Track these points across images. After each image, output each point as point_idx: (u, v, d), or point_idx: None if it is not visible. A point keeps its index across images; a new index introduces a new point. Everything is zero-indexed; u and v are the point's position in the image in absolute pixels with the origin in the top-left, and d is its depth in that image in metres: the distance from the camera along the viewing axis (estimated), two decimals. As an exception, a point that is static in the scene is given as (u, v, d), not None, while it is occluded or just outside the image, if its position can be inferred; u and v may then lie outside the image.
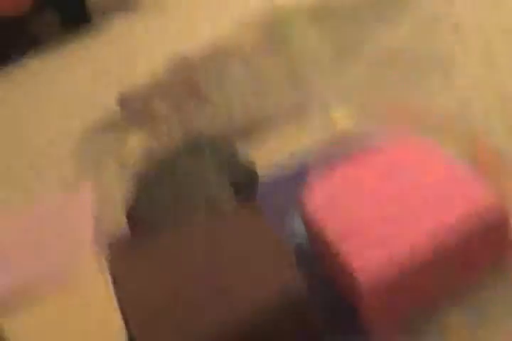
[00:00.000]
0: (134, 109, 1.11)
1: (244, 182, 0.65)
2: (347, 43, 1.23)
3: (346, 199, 0.55)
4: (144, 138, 1.08)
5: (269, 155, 0.76)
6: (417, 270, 0.49)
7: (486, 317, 0.48)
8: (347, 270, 0.49)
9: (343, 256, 0.50)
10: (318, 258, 0.57)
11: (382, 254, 0.48)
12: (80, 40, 1.67)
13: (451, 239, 0.49)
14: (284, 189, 0.65)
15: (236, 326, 0.46)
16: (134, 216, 0.63)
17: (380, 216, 0.51)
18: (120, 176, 0.89)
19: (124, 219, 0.64)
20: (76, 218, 0.62)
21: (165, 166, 0.66)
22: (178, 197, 0.62)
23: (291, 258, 0.49)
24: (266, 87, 1.07)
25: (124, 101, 1.13)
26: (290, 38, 1.31)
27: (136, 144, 1.11)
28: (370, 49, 1.21)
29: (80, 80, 1.50)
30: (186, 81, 1.14)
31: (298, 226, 0.61)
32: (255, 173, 0.67)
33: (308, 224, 0.56)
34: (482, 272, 0.50)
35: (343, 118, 0.75)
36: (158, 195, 0.62)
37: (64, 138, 1.27)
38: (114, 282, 0.53)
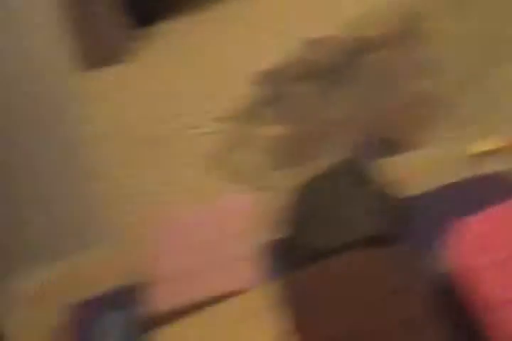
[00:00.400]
0: (274, 89, 1.05)
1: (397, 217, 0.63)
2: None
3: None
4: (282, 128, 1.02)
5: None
6: None
7: None
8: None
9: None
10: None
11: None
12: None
13: None
14: (431, 214, 0.63)
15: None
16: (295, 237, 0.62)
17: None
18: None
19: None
20: (237, 225, 0.64)
21: (326, 188, 0.65)
22: (339, 221, 0.60)
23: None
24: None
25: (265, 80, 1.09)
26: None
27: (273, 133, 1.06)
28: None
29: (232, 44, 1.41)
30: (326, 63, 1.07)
31: (441, 263, 0.58)
32: (407, 209, 0.64)
33: (454, 267, 0.54)
34: None
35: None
36: (320, 217, 0.62)
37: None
38: (292, 305, 0.53)
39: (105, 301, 0.70)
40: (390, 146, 0.79)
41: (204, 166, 1.17)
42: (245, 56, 1.40)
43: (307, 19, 1.48)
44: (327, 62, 1.08)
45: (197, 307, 0.57)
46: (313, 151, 0.95)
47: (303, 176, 0.69)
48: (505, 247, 0.52)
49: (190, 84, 1.40)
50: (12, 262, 0.81)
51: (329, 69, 1.12)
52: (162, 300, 0.59)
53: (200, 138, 1.22)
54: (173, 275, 0.61)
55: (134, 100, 1.45)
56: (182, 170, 1.20)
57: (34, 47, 1.41)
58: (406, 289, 0.54)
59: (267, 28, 1.53)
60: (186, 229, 0.66)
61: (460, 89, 1.00)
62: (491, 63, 1.07)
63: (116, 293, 0.70)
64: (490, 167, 0.66)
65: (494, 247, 0.53)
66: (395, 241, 0.59)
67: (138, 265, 0.72)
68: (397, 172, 0.68)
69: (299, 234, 0.63)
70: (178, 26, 1.68)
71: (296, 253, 0.62)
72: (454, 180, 0.65)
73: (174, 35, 1.65)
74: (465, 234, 0.56)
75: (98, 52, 1.70)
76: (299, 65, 1.20)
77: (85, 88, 1.50)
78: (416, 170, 0.71)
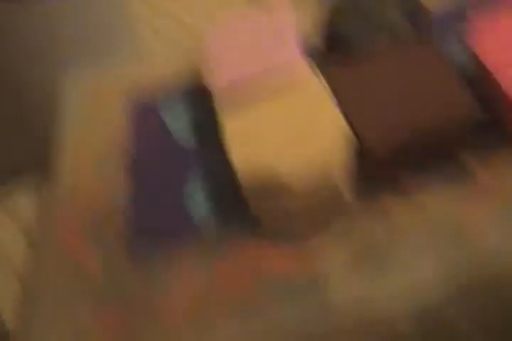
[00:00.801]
0: None
1: (419, 19, 0.69)
2: None
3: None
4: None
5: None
6: None
7: None
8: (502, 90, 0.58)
9: (501, 80, 0.57)
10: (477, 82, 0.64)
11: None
12: None
13: None
14: (444, 23, 0.72)
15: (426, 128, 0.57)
16: (330, 35, 0.69)
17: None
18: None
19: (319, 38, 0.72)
20: (283, 28, 0.68)
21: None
22: (367, 23, 0.67)
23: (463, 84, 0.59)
24: None
25: None
26: None
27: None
28: None
29: None
30: None
31: (459, 54, 0.68)
32: (428, 11, 0.71)
33: (471, 52, 0.62)
34: None
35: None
36: (351, 20, 0.68)
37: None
38: (332, 88, 0.61)
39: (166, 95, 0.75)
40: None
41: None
42: None
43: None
44: None
45: (253, 80, 0.63)
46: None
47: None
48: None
49: None
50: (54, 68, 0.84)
51: None
52: (220, 77, 0.65)
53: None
54: (226, 57, 0.67)
55: None
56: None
57: None
58: (446, 74, 0.59)
59: None
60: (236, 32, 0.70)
61: None
62: None
63: (172, 91, 0.75)
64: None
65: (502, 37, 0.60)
66: (423, 41, 0.64)
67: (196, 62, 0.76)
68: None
69: (338, 21, 0.69)
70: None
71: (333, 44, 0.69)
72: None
73: None
74: (486, 32, 0.61)
75: None
76: None
77: None
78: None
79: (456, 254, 0.55)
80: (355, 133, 0.57)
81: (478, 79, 0.63)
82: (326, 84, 0.62)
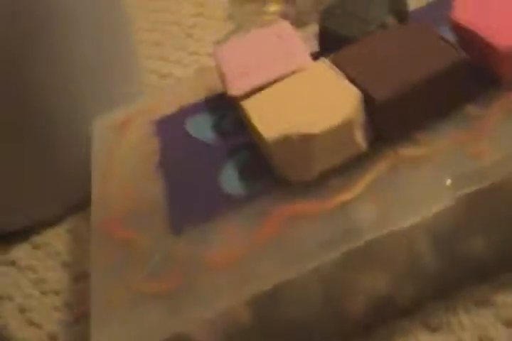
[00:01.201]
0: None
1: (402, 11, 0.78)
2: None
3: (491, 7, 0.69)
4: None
5: None
6: None
7: None
8: (490, 45, 0.65)
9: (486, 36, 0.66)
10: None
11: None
12: None
13: None
14: (431, 14, 0.80)
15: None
16: (325, 37, 0.77)
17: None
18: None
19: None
20: (288, 38, 0.75)
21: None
22: (357, 22, 0.75)
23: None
24: None
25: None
26: None
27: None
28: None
29: None
30: None
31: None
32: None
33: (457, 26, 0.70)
34: None
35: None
36: (342, 20, 0.76)
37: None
38: (336, 64, 0.69)
39: (192, 108, 0.82)
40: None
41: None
42: None
43: None
44: None
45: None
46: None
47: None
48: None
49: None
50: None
51: None
52: (234, 88, 0.70)
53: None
54: (239, 70, 0.72)
55: None
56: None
57: None
58: (437, 38, 0.67)
59: None
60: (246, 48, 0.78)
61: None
62: None
63: (197, 104, 0.83)
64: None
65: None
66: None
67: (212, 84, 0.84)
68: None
69: (328, 23, 0.76)
70: None
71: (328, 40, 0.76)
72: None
73: None
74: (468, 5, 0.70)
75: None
76: None
77: None
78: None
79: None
80: (362, 91, 0.65)
81: (465, 44, 0.70)
82: (332, 65, 0.69)
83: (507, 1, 0.69)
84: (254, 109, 0.67)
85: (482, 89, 0.67)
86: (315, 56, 0.79)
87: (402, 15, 0.78)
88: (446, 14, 0.76)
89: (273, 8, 1.14)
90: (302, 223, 0.61)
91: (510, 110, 0.64)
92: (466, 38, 0.69)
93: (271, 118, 0.65)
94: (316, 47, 0.81)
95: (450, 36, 0.75)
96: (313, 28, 0.85)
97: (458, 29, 0.69)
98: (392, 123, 0.65)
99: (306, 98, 0.66)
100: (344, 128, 0.63)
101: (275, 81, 0.70)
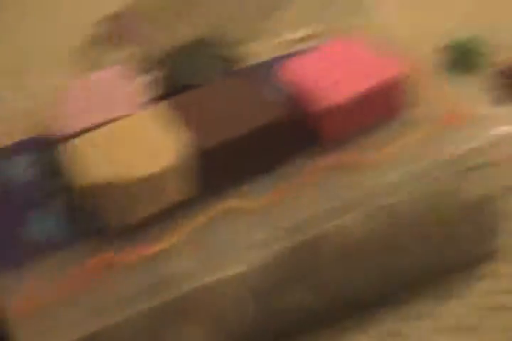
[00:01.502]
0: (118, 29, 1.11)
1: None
2: None
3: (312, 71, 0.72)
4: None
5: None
6: (351, 105, 0.69)
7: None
8: (315, 104, 0.68)
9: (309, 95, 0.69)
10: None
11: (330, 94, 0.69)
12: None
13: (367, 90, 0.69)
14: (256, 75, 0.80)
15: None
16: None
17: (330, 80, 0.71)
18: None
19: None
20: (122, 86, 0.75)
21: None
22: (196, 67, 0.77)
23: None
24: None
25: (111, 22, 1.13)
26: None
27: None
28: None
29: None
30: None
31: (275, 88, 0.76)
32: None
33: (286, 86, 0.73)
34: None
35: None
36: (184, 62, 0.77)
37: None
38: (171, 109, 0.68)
39: (12, 148, 0.78)
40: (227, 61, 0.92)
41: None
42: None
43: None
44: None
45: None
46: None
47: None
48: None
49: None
50: None
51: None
52: (62, 127, 0.69)
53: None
54: (71, 111, 0.71)
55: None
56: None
57: None
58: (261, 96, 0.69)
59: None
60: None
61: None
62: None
63: (21, 142, 0.78)
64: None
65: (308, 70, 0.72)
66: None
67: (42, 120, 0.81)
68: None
69: (169, 69, 0.77)
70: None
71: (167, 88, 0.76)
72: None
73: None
74: (294, 69, 0.72)
75: None
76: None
77: None
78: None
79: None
80: (190, 138, 0.64)
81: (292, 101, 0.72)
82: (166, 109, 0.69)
83: (334, 61, 0.72)
84: (76, 151, 0.65)
85: (305, 145, 0.69)
86: (153, 101, 0.78)
87: (234, 67, 0.79)
88: (276, 71, 0.78)
89: (120, 51, 1.14)
90: (117, 272, 0.59)
91: (328, 168, 0.66)
92: (293, 95, 0.70)
93: (92, 161, 0.63)
94: (155, 92, 0.80)
95: (280, 92, 0.76)
96: (156, 73, 0.85)
97: (286, 86, 0.71)
98: (218, 173, 0.64)
99: (132, 143, 0.65)
100: (166, 175, 0.61)
101: (105, 124, 0.68)
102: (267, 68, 0.82)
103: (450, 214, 0.70)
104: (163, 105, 0.70)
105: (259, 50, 0.84)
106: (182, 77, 0.77)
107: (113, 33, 1.19)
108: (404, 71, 0.70)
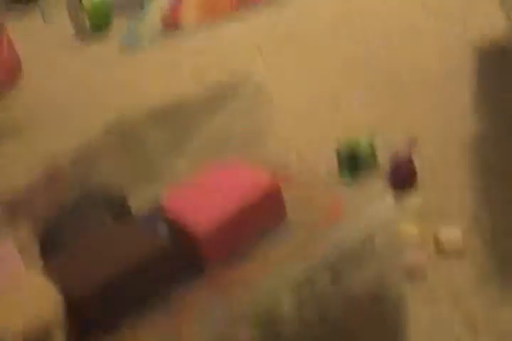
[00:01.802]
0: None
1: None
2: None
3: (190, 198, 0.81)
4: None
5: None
6: (229, 225, 0.76)
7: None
8: (190, 232, 0.75)
9: (187, 225, 0.76)
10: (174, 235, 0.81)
11: (208, 218, 0.77)
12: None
13: (242, 208, 0.78)
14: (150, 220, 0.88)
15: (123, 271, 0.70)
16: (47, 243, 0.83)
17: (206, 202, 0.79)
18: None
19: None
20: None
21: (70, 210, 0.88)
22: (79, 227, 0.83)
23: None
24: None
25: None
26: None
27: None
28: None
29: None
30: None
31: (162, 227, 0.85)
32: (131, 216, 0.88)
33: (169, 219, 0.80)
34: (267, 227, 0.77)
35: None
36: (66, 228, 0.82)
37: None
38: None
39: None
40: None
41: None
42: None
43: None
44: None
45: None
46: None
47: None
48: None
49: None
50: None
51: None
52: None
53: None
54: None
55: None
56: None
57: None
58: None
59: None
60: None
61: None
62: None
63: None
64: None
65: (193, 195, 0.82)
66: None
67: None
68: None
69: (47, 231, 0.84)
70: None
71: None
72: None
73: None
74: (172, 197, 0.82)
75: None
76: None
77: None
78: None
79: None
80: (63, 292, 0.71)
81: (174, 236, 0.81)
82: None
83: (210, 192, 0.81)
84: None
85: (190, 274, 0.76)
86: (32, 261, 0.83)
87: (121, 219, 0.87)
88: (159, 208, 0.86)
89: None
90: None
91: (211, 293, 0.72)
92: (175, 229, 0.79)
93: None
94: (35, 253, 0.85)
95: (160, 228, 0.84)
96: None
97: (168, 221, 0.80)
98: (96, 318, 0.68)
99: (8, 303, 0.68)
100: (40, 330, 0.65)
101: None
102: (153, 210, 0.87)
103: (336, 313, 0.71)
104: (46, 265, 0.75)
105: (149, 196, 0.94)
106: (64, 235, 0.80)
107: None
108: (276, 184, 0.76)
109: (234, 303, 0.68)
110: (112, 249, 0.73)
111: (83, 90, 2.12)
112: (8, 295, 0.69)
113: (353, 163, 1.06)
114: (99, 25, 3.01)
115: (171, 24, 2.90)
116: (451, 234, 0.94)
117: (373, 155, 1.07)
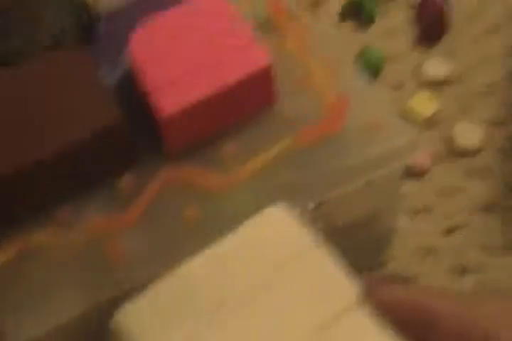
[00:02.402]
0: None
1: (87, 23, 0.67)
2: None
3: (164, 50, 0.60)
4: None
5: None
6: (204, 108, 0.58)
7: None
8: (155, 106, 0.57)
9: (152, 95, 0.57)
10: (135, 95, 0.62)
11: (180, 95, 0.57)
12: None
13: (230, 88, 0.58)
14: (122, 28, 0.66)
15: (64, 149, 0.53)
16: None
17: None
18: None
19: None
20: None
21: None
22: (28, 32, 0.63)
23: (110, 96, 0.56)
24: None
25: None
26: None
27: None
28: None
29: None
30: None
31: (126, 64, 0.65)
32: (97, 14, 0.68)
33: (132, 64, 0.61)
34: (250, 113, 0.61)
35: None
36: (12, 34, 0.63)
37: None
38: None
39: None
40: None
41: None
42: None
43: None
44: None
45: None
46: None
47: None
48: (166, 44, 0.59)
49: None
50: None
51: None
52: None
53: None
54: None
55: None
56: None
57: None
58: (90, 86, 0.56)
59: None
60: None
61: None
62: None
63: None
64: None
65: (157, 44, 0.59)
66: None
67: None
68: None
69: None
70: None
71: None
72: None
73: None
74: (139, 33, 0.60)
75: None
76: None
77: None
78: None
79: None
80: None
81: (133, 92, 0.61)
82: None
83: (189, 50, 0.59)
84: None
85: (143, 156, 0.58)
86: None
87: (86, 21, 0.66)
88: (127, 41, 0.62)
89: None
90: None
91: (168, 184, 0.55)
92: (139, 91, 0.58)
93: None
94: None
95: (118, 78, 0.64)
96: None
97: (133, 68, 0.59)
98: (19, 199, 0.53)
99: None
100: None
101: None
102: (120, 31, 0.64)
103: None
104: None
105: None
106: (8, 53, 0.61)
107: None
108: (266, 64, 0.57)
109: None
110: (53, 108, 0.54)
111: None
112: None
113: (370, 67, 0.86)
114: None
115: None
116: (469, 129, 0.80)
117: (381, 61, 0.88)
